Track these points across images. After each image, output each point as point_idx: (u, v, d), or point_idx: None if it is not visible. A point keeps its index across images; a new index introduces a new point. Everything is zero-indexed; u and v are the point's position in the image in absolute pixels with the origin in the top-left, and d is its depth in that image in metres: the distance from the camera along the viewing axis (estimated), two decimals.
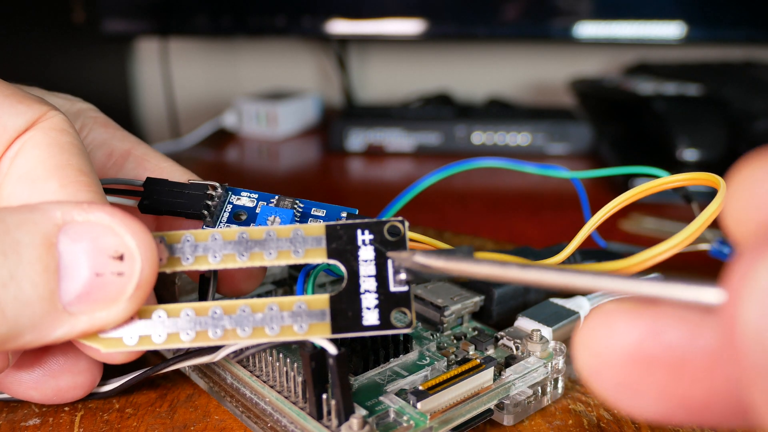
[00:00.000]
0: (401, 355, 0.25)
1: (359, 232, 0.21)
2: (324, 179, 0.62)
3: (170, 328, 0.20)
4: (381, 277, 0.21)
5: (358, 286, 0.21)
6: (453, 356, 0.26)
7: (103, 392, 0.25)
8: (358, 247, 0.21)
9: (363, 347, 0.25)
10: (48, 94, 0.27)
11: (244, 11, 0.69)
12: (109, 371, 0.25)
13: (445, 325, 0.28)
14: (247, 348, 0.22)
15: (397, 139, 0.65)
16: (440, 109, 0.69)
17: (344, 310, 0.21)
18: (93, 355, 0.21)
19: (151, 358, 0.29)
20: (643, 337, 0.12)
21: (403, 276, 0.21)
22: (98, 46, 0.81)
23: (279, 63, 0.88)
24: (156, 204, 0.25)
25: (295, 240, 0.21)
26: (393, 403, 0.22)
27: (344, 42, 0.82)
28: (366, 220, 0.21)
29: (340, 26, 0.68)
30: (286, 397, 0.23)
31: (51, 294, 0.19)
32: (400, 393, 0.23)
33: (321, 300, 0.21)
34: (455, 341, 0.27)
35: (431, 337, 0.27)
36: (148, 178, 0.26)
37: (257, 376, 0.24)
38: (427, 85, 0.81)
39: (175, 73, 0.85)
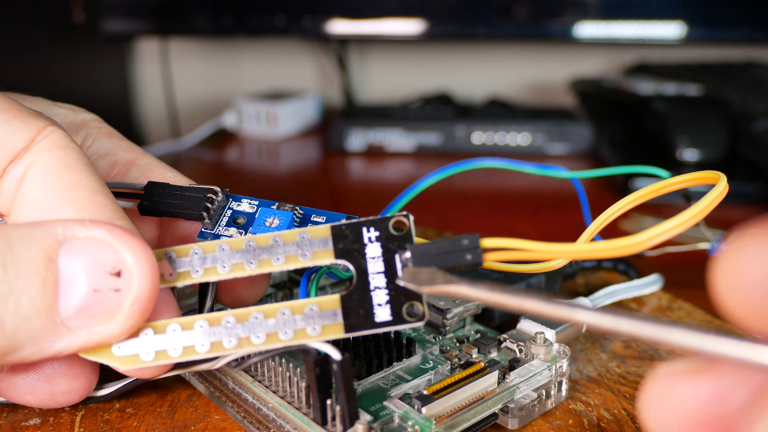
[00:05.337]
0: (404, 359, 0.25)
1: (365, 229, 0.21)
2: (324, 179, 0.62)
3: (185, 341, 0.20)
4: (390, 272, 0.21)
5: (368, 283, 0.21)
6: (456, 360, 0.26)
7: (100, 396, 0.25)
8: (365, 245, 0.21)
9: (366, 351, 0.25)
10: (52, 105, 0.27)
11: (244, 11, 0.69)
12: (106, 376, 0.25)
13: (447, 328, 0.28)
14: (251, 356, 0.22)
15: (397, 139, 0.65)
16: (440, 109, 0.69)
17: (356, 309, 0.21)
18: (128, 372, 0.21)
19: None
20: (709, 401, 0.11)
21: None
22: (98, 47, 0.81)
23: (279, 63, 0.88)
24: (155, 205, 0.25)
25: (301, 243, 0.21)
26: (397, 408, 0.22)
27: (344, 42, 0.82)
28: (371, 218, 0.21)
29: (340, 26, 0.68)
30: (289, 403, 0.23)
31: (49, 308, 0.19)
32: (405, 397, 0.23)
33: (332, 300, 0.21)
34: (458, 344, 0.27)
35: (434, 340, 0.27)
36: (149, 182, 0.26)
37: (259, 382, 0.24)
38: (427, 85, 0.81)
39: (175, 73, 0.85)
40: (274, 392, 0.23)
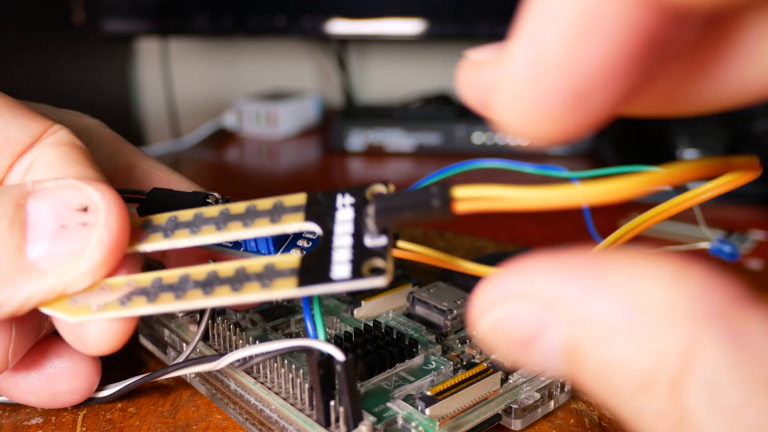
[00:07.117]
0: (407, 360, 0.25)
1: (340, 196, 0.20)
2: (324, 179, 0.62)
3: (137, 293, 0.20)
4: (357, 233, 0.19)
5: (331, 242, 0.19)
6: (459, 360, 0.26)
7: (101, 397, 0.25)
8: (336, 209, 0.20)
9: (368, 352, 0.25)
10: (55, 111, 0.28)
11: (244, 11, 0.69)
12: (108, 377, 0.25)
13: (449, 329, 0.28)
14: (253, 357, 0.22)
15: (397, 139, 0.65)
16: (440, 109, 0.69)
17: (314, 267, 0.19)
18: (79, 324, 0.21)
19: (151, 364, 0.29)
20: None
21: (378, 229, 0.19)
22: (98, 47, 0.81)
23: (279, 63, 0.88)
24: (155, 206, 0.25)
25: (275, 210, 0.20)
26: (401, 409, 0.22)
27: (344, 42, 0.82)
28: (349, 187, 0.21)
29: (340, 26, 0.68)
30: (292, 404, 0.23)
31: (17, 249, 0.19)
32: (408, 399, 0.23)
33: (291, 260, 0.19)
34: (460, 345, 0.27)
35: (436, 341, 0.27)
36: (153, 188, 0.26)
37: (261, 383, 0.24)
38: (427, 85, 0.81)
39: (175, 73, 0.85)
40: (277, 394, 0.23)
